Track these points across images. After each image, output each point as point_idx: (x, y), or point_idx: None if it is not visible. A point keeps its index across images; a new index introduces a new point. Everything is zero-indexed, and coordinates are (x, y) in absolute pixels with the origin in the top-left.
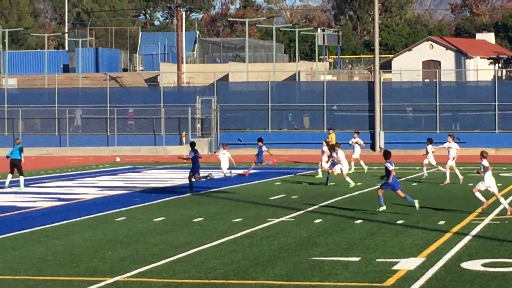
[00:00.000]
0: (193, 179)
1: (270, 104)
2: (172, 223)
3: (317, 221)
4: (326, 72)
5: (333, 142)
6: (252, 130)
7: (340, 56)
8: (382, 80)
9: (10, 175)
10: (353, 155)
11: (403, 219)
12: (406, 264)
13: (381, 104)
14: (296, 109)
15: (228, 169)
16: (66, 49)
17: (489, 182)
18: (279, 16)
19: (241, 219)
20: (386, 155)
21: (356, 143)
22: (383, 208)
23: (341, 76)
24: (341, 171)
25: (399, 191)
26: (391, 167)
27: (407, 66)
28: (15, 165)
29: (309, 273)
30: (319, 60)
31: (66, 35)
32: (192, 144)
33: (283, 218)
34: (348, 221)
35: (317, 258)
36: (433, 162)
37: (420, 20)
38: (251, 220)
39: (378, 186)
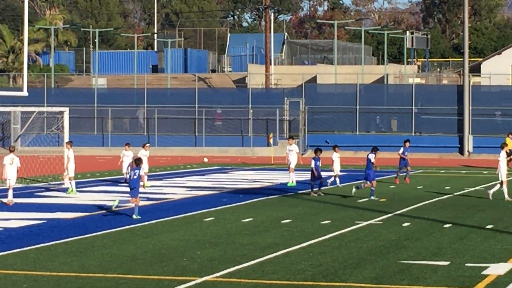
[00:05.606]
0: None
1: (358, 107)
2: (260, 224)
3: (406, 224)
4: (414, 75)
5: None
6: (339, 132)
7: (429, 59)
8: (471, 83)
9: None
10: None
11: (493, 224)
12: (496, 269)
13: (470, 108)
14: (384, 112)
15: None
16: (155, 49)
17: None
18: (367, 19)
19: (329, 221)
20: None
21: None
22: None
23: (429, 79)
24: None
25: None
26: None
27: (497, 70)
28: None
29: (398, 276)
30: (408, 63)
31: (155, 35)
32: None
33: (371, 221)
34: (436, 225)
35: (405, 261)
36: None
37: (510, 23)
38: (339, 222)
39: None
